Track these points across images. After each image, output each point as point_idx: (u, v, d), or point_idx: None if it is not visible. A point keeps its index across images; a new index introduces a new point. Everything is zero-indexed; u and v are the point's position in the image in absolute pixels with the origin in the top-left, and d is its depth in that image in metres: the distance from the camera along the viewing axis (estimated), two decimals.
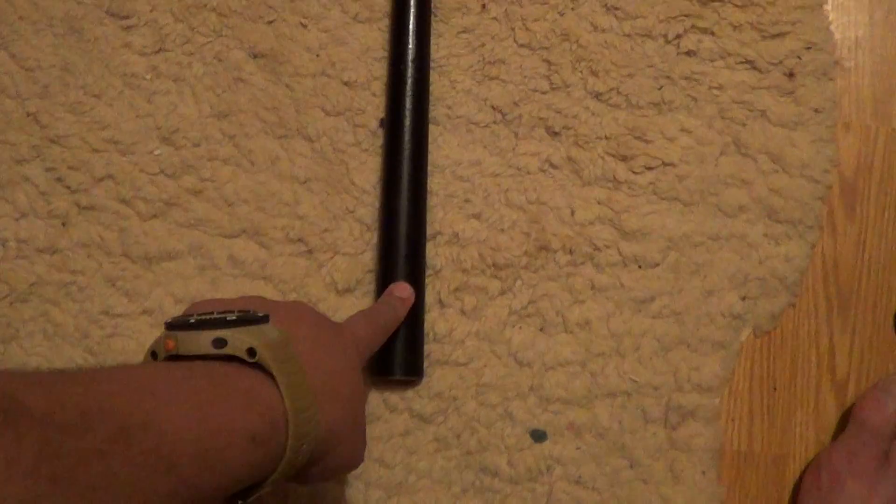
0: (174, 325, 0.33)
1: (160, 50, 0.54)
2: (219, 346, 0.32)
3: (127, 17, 0.54)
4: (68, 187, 0.53)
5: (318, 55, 0.52)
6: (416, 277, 0.49)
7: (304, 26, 0.53)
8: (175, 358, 0.33)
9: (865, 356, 0.52)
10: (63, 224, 0.53)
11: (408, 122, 0.50)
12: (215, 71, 0.53)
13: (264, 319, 0.34)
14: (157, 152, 0.53)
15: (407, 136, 0.50)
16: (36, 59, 0.54)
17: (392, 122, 0.51)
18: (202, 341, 0.32)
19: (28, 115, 0.54)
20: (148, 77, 0.54)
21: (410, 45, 0.51)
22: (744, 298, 0.52)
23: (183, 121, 0.53)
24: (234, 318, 0.33)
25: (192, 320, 0.33)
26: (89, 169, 0.53)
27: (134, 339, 0.51)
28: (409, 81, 0.51)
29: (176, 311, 0.51)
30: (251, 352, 0.32)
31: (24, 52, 0.54)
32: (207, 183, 0.52)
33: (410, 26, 0.51)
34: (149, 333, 0.51)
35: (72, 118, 0.53)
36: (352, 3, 0.53)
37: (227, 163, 0.52)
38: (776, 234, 0.52)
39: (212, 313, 0.34)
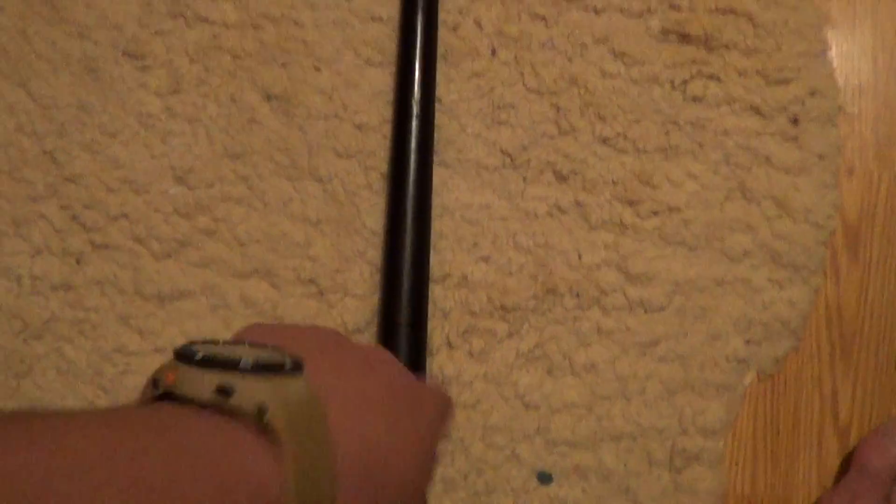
0: (181, 355, 0.27)
1: (175, 91, 0.55)
2: (223, 395, 0.25)
3: (143, 58, 0.55)
4: (83, 225, 0.54)
5: (330, 98, 0.54)
6: (420, 317, 0.50)
7: (318, 69, 0.54)
8: (170, 396, 0.27)
9: (868, 400, 0.53)
10: (77, 261, 0.54)
11: (412, 163, 0.51)
12: (229, 112, 0.54)
13: (295, 369, 0.27)
14: (171, 192, 0.54)
15: (411, 177, 0.51)
16: (52, 97, 0.55)
17: (396, 164, 0.52)
18: (204, 384, 0.26)
19: (44, 153, 0.55)
20: (163, 117, 0.55)
21: (416, 88, 0.52)
22: (748, 342, 0.53)
23: (197, 161, 0.54)
24: (251, 360, 0.26)
25: (199, 355, 0.27)
26: (104, 207, 0.54)
27: (146, 377, 0.52)
28: (414, 123, 0.52)
29: None
30: (261, 411, 0.25)
31: (41, 91, 0.55)
32: (220, 223, 0.53)
33: (416, 69, 0.52)
34: None
35: (87, 157, 0.54)
36: (364, 48, 0.54)
37: (240, 203, 0.53)
38: (780, 279, 0.53)
39: (241, 344, 0.28)
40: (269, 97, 0.54)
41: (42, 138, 0.55)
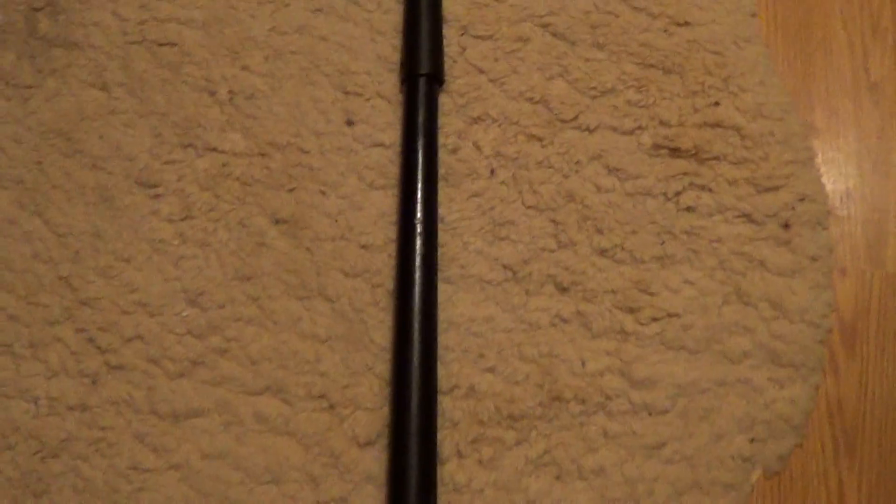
0: None
1: (187, 217, 0.73)
2: None
3: (155, 187, 0.74)
4: (99, 347, 0.71)
5: (336, 220, 0.72)
6: (429, 428, 0.67)
7: (324, 193, 0.73)
8: None
9: (874, 493, 0.70)
10: (93, 382, 0.71)
11: (417, 280, 0.69)
12: (239, 236, 0.73)
13: None
14: (184, 314, 0.72)
15: (417, 294, 0.69)
16: (68, 225, 0.74)
17: (402, 281, 0.71)
18: None
19: (60, 278, 0.73)
20: (175, 242, 0.73)
21: (418, 209, 0.71)
22: (752, 441, 0.69)
23: (209, 284, 0.72)
24: None
25: None
26: (119, 330, 0.71)
27: (162, 494, 0.69)
28: (418, 242, 0.70)
29: (203, 465, 0.68)
30: None
31: (57, 219, 0.74)
32: (232, 343, 0.71)
33: (418, 191, 0.71)
34: (176, 488, 0.69)
35: (102, 282, 0.72)
36: (368, 172, 0.73)
37: (251, 323, 0.71)
38: (780, 378, 0.71)
39: None
40: (277, 221, 0.73)
41: (58, 264, 0.73)
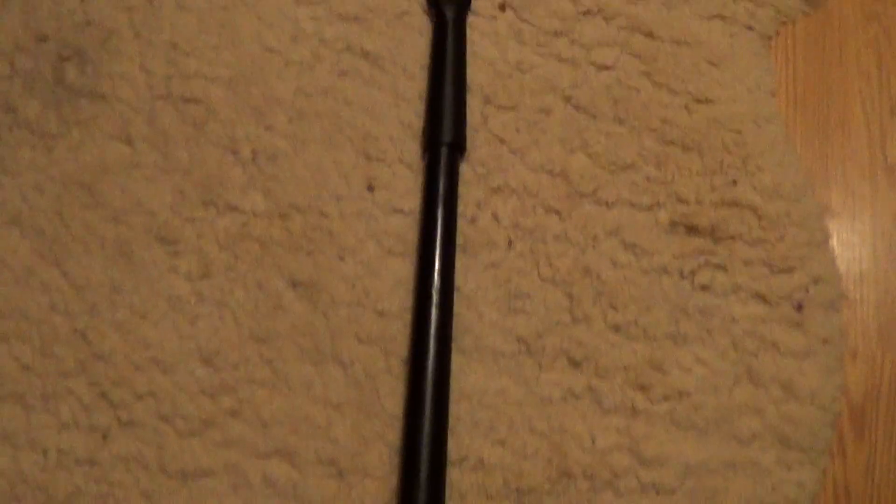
0: None
1: (205, 276, 0.74)
2: None
3: (175, 243, 0.75)
4: (110, 402, 0.72)
5: (353, 286, 0.73)
6: (437, 499, 0.68)
7: (342, 258, 0.74)
8: None
9: None
10: (103, 437, 0.71)
11: (431, 349, 0.70)
12: (256, 298, 0.73)
13: None
14: (197, 373, 0.72)
15: (430, 363, 0.70)
16: (86, 277, 0.75)
17: (416, 350, 0.72)
18: None
19: (76, 331, 0.74)
20: (192, 300, 0.74)
21: (435, 278, 0.71)
22: None
23: (224, 343, 0.73)
24: None
25: None
26: (132, 386, 0.72)
27: None
28: (434, 311, 0.71)
29: None
30: None
31: (76, 271, 0.75)
32: (245, 404, 0.71)
33: (436, 260, 0.72)
34: None
35: (117, 336, 0.73)
36: (386, 238, 0.74)
37: (264, 385, 0.72)
38: (788, 461, 0.71)
39: None
40: (294, 284, 0.74)
41: (74, 317, 0.74)
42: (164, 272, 0.76)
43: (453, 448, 0.71)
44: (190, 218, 0.77)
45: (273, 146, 0.78)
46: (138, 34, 0.82)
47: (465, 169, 0.77)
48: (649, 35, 0.81)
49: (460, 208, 0.76)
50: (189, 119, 0.79)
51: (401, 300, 0.75)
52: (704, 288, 0.75)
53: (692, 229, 0.76)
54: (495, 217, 0.76)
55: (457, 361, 0.73)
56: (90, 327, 0.75)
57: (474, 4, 0.83)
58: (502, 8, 0.83)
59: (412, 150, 0.78)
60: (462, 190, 0.77)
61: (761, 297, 0.75)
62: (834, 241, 0.78)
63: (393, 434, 0.72)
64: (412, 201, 0.77)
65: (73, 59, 0.82)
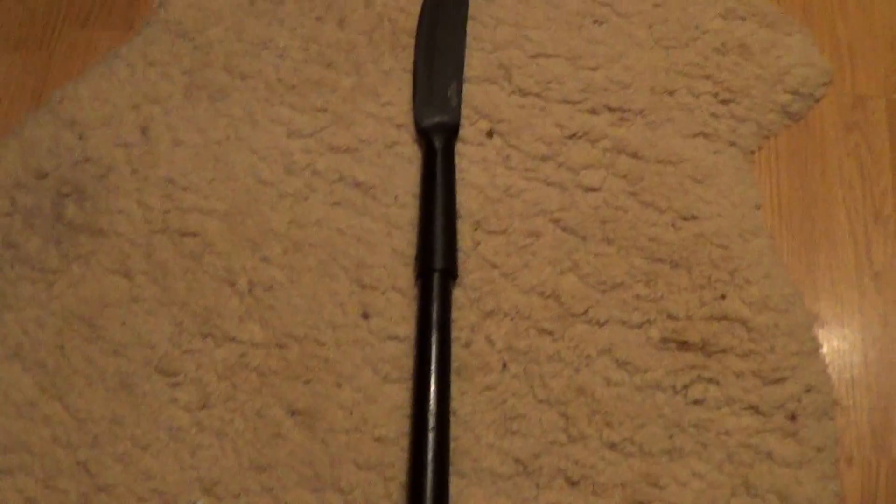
0: None
1: (204, 406, 0.76)
2: None
3: (174, 375, 0.77)
4: None
5: (351, 413, 0.75)
6: None
7: (339, 385, 0.75)
8: None
9: None
10: None
11: (429, 474, 0.72)
12: (255, 426, 0.75)
13: None
14: (198, 503, 0.73)
15: (429, 488, 0.71)
16: (87, 410, 0.76)
17: (414, 475, 0.73)
18: None
19: (78, 463, 0.75)
20: (192, 431, 0.76)
21: (431, 403, 0.73)
22: None
23: (224, 473, 0.74)
24: None
25: None
26: None
27: None
28: (431, 436, 0.73)
29: None
30: None
31: (77, 404, 0.76)
32: None
33: (431, 385, 0.74)
34: None
35: (119, 468, 0.75)
36: (382, 365, 0.76)
37: None
38: None
39: None
40: (293, 412, 0.75)
41: (76, 449, 0.75)
42: (165, 403, 0.78)
43: None
44: (189, 349, 0.79)
45: (269, 277, 0.81)
46: (135, 170, 0.85)
47: (457, 294, 0.80)
48: (634, 155, 0.84)
49: (454, 333, 0.78)
50: (186, 252, 0.82)
51: (398, 426, 0.76)
52: (698, 402, 0.77)
53: (683, 345, 0.78)
54: (489, 340, 0.78)
55: (455, 485, 0.74)
56: (92, 459, 0.76)
57: (462, 132, 0.86)
58: (490, 134, 0.86)
59: (405, 276, 0.80)
60: (455, 314, 0.79)
61: (754, 409, 0.76)
62: (825, 349, 0.80)
63: None
64: (407, 327, 0.78)
65: (73, 196, 0.84)
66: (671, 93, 0.87)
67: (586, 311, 0.79)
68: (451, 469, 0.74)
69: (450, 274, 0.78)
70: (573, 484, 0.75)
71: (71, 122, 0.88)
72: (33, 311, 0.81)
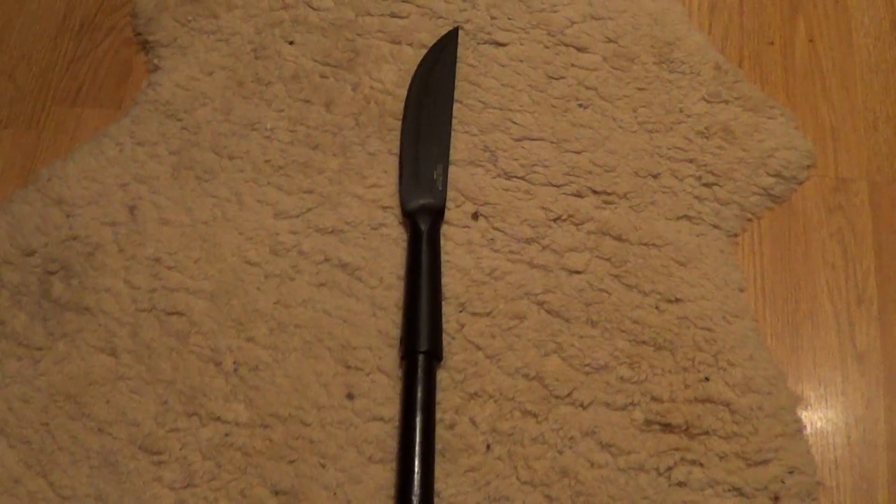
0: None
1: (189, 485, 0.81)
2: None
3: (159, 453, 0.82)
4: None
5: (335, 493, 0.80)
6: None
7: (323, 466, 0.81)
8: None
9: None
10: None
11: None
12: None
13: None
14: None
15: None
16: (72, 487, 0.81)
17: None
18: None
19: None
20: None
21: (415, 484, 0.78)
22: None
23: None
24: None
25: None
26: None
27: None
28: None
29: None
30: None
31: (61, 482, 0.82)
32: None
33: (415, 466, 0.79)
34: None
35: None
36: (367, 446, 0.81)
37: None
38: None
39: None
40: (276, 492, 0.81)
41: None
42: (149, 482, 0.82)
43: None
44: (174, 428, 0.84)
45: (254, 357, 0.86)
46: (122, 249, 0.91)
47: (442, 375, 0.85)
48: (619, 238, 0.90)
49: (438, 414, 0.83)
50: (172, 331, 0.87)
51: None
52: (681, 484, 0.82)
53: (667, 427, 0.83)
54: (473, 422, 0.83)
55: None
56: None
57: (448, 214, 0.92)
58: (475, 217, 0.92)
59: (390, 358, 0.86)
60: (440, 396, 0.84)
61: (738, 491, 0.81)
62: (808, 431, 0.85)
63: None
64: (391, 409, 0.84)
65: (59, 273, 0.90)
66: (655, 176, 0.93)
67: (570, 394, 0.84)
68: None
69: (434, 356, 0.84)
70: None
71: (59, 200, 0.94)
72: (19, 388, 0.86)
